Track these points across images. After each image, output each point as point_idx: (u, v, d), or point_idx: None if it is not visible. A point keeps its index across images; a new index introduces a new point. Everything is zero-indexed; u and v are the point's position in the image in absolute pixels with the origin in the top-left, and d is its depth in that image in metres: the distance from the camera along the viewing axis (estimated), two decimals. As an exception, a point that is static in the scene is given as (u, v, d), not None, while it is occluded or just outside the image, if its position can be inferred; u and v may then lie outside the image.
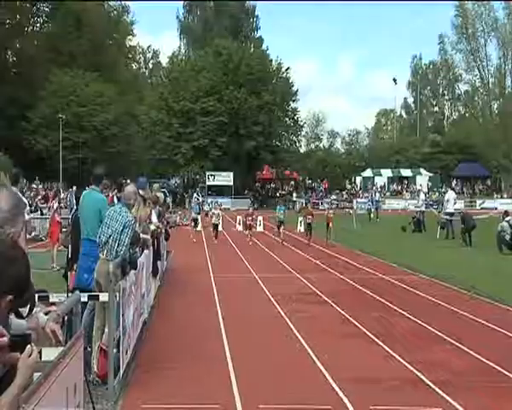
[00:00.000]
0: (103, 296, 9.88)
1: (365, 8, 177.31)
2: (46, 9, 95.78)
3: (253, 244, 34.08)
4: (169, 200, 50.05)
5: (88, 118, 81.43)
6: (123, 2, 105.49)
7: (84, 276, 11.13)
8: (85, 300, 9.87)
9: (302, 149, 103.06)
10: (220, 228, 38.81)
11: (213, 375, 10.79)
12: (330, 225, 34.65)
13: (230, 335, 13.47)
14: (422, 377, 10.73)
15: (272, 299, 17.85)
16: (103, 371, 9.84)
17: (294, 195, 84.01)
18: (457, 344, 12.84)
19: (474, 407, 9.17)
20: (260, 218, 46.98)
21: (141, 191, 15.42)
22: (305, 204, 79.24)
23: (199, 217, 39.44)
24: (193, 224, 37.55)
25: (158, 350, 12.52)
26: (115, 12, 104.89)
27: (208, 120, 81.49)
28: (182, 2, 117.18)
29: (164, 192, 32.01)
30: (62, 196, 46.34)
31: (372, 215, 56.52)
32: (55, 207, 31.09)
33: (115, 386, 9.77)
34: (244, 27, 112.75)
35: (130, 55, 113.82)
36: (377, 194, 73.99)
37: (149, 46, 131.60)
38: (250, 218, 36.75)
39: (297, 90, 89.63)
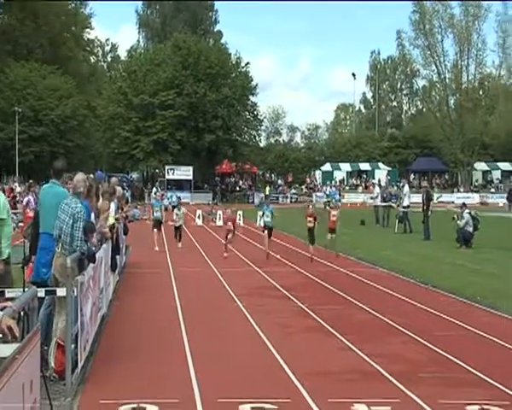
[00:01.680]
0: (61, 291, 9.78)
1: (324, 5, 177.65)
2: (1, 1, 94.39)
3: (212, 238, 34.04)
4: (128, 194, 49.95)
5: (45, 111, 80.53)
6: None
7: (43, 270, 11.00)
8: (42, 295, 9.77)
9: (262, 144, 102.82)
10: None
11: (173, 370, 10.77)
12: (333, 233, 26.99)
13: (190, 329, 13.44)
14: (380, 368, 10.82)
15: (232, 293, 17.86)
16: (61, 367, 9.73)
17: (267, 189, 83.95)
18: (414, 336, 12.96)
19: (430, 398, 9.28)
20: (220, 212, 47.07)
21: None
22: (265, 197, 79.44)
23: (161, 216, 30.77)
24: (155, 226, 29.68)
25: (117, 345, 12.45)
26: (73, 5, 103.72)
27: (167, 114, 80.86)
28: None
29: (122, 186, 31.90)
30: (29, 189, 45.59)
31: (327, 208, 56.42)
32: (24, 202, 30.91)
33: (73, 382, 9.67)
34: (203, 21, 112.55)
35: (88, 49, 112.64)
36: (328, 188, 74.74)
37: (108, 39, 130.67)
38: (229, 223, 27.45)
39: (256, 85, 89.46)
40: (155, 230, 29.47)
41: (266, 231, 26.07)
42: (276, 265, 24.09)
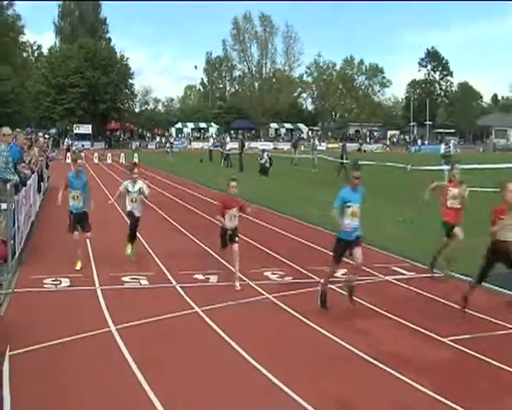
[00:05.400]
0: (3, 205, 9.36)
1: (179, 15, 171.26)
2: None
3: (105, 172, 32.81)
4: (49, 142, 47.39)
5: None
6: (17, 12, 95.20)
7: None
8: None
9: (136, 110, 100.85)
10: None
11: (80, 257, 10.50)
12: (457, 229, 8.64)
13: (94, 229, 13.10)
14: (212, 252, 10.86)
15: (118, 209, 17.46)
16: (4, 255, 9.31)
17: (172, 140, 76.66)
18: (245, 238, 13.13)
19: (243, 268, 9.04)
20: (109, 154, 45.96)
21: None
22: (139, 145, 77.12)
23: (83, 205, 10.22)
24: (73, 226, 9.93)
25: (42, 241, 12.09)
26: (12, 19, 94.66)
27: (74, 91, 78.40)
28: (57, 10, 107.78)
29: (44, 138, 30.20)
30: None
31: (169, 151, 53.19)
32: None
33: (13, 264, 9.45)
34: (99, 30, 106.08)
35: (22, 48, 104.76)
36: (172, 138, 74.06)
37: (35, 42, 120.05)
38: (234, 209, 9.21)
39: (133, 72, 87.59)
40: (75, 233, 9.81)
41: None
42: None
